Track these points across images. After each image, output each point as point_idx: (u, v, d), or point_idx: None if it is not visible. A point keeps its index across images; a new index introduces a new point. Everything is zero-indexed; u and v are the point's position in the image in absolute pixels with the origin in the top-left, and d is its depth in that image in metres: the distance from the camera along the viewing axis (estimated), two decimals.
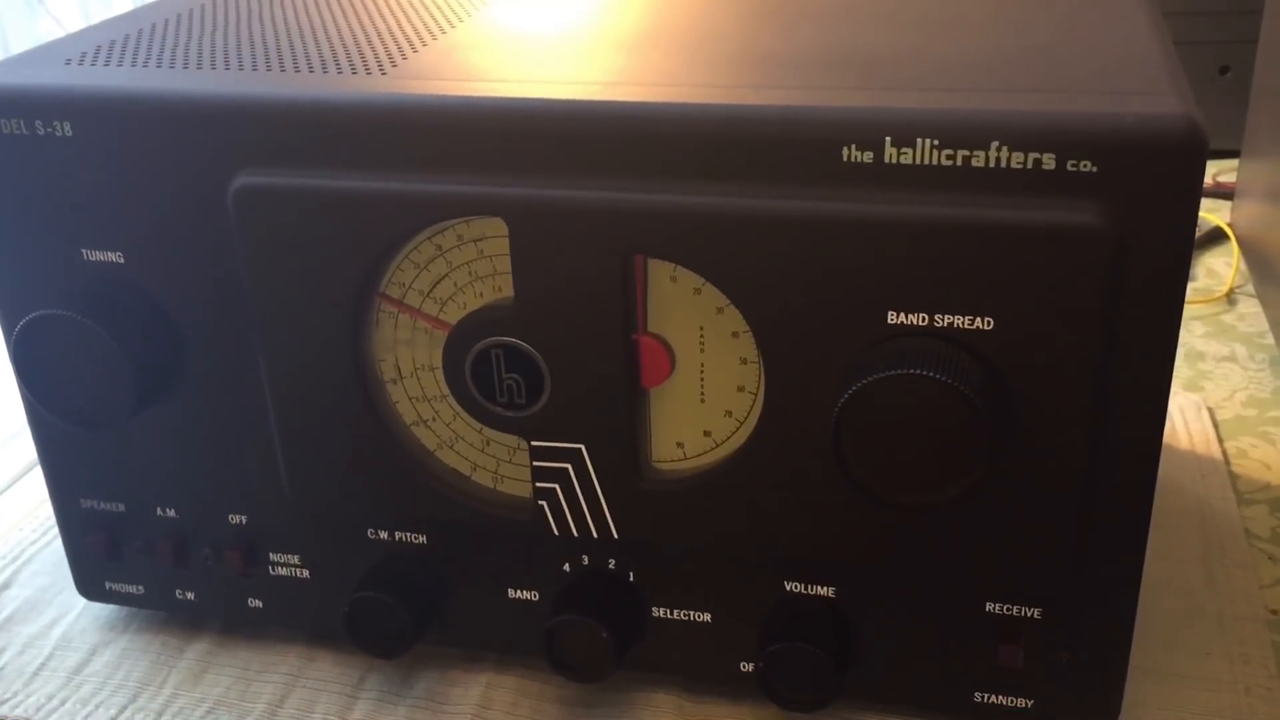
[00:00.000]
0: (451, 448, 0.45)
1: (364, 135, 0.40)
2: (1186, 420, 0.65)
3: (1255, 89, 0.81)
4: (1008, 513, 0.40)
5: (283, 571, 0.49)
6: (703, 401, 0.42)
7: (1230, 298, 0.80)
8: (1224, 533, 0.56)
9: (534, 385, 0.42)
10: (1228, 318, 0.77)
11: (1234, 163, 0.87)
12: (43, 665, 0.51)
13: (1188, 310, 0.75)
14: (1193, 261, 0.83)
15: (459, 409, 0.44)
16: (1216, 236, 0.86)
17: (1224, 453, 0.63)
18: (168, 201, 0.42)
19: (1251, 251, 0.80)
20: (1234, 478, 0.61)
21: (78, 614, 0.54)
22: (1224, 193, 0.90)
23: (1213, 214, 0.86)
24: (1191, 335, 0.75)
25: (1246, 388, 0.69)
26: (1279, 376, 0.70)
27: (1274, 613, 0.51)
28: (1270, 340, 0.74)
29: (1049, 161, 0.35)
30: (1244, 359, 0.72)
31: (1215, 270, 0.83)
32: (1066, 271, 0.36)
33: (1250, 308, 0.78)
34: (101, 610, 0.54)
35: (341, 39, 0.46)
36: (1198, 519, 0.57)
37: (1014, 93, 0.37)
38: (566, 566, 0.46)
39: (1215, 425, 0.65)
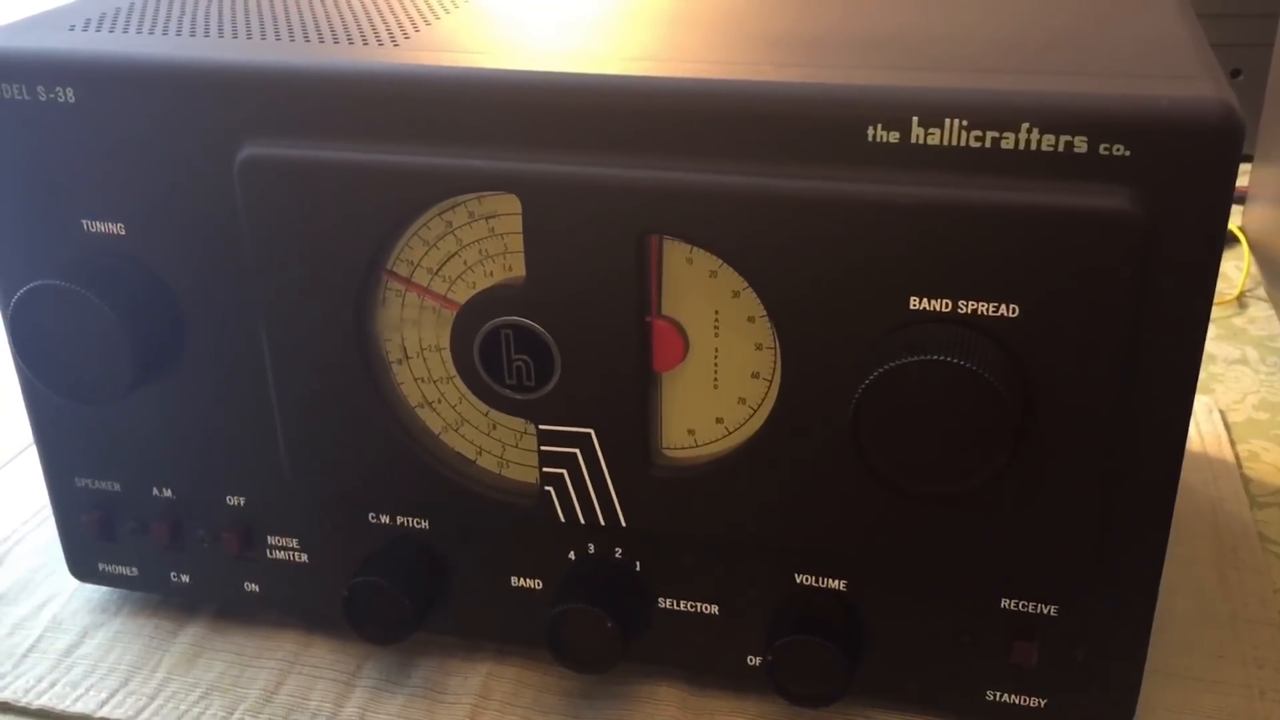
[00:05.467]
0: (457, 431, 0.44)
1: (375, 107, 0.39)
2: (1198, 422, 0.64)
3: (1270, 92, 0.81)
4: (1028, 506, 0.39)
5: (281, 555, 0.48)
6: (716, 387, 0.41)
7: (1241, 301, 0.79)
8: (1237, 536, 0.55)
9: (543, 367, 0.41)
10: (1239, 321, 0.77)
11: (1245, 167, 0.87)
12: (32, 647, 0.50)
13: None
14: None
15: (466, 391, 0.43)
16: (1227, 240, 0.85)
17: (1236, 456, 0.62)
18: (172, 172, 0.42)
19: (1263, 255, 0.79)
20: (1246, 481, 0.60)
21: (69, 596, 0.53)
22: (1235, 197, 0.89)
23: None
24: None
25: (1258, 391, 0.68)
26: None
27: None
28: None
29: (1081, 144, 0.34)
30: (1255, 362, 0.72)
31: (1226, 273, 0.82)
32: (1096, 258, 0.35)
33: (1261, 311, 0.78)
34: (94, 592, 0.53)
35: (353, 10, 0.46)
36: (1210, 522, 0.56)
37: (1045, 74, 0.37)
38: (572, 555, 0.45)
39: (1227, 428, 0.64)
